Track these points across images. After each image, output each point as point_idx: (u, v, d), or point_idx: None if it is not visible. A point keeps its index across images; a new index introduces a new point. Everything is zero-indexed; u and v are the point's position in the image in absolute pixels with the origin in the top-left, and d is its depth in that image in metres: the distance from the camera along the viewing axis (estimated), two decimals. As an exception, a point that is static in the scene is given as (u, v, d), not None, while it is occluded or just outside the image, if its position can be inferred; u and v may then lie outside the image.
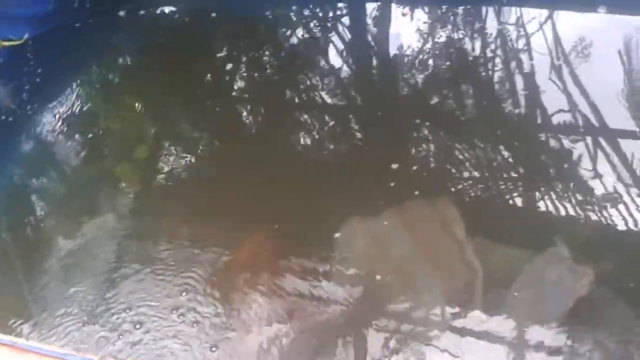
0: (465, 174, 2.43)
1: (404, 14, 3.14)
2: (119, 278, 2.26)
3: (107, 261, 2.33)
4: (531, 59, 2.83)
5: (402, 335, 1.98)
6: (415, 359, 1.91)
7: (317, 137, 2.71)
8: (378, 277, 2.15)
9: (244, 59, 3.15)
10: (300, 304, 2.13)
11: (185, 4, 3.49)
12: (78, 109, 3.00)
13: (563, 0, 2.99)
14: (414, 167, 2.47)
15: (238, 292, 2.17)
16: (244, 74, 3.06)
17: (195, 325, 2.06)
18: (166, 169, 2.69)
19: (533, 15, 2.97)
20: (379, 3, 3.20)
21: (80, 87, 3.12)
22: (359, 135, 2.72)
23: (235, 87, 3.01)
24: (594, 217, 2.20)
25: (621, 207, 2.21)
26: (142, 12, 3.46)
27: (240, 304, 2.13)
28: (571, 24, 2.93)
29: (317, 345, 2.00)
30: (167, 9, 3.54)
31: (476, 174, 2.42)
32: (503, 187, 2.37)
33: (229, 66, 3.10)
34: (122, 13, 3.41)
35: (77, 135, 2.88)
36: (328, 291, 2.14)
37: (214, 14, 3.30)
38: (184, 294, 2.15)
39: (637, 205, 2.20)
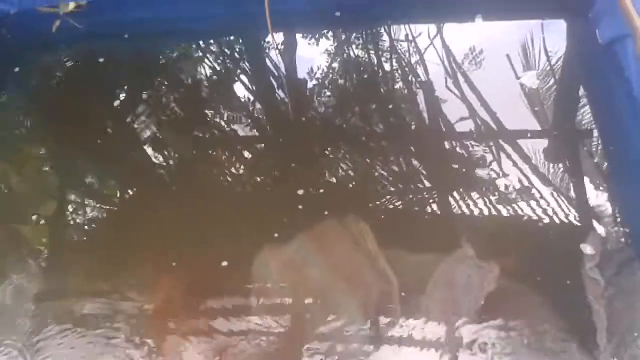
0: (373, 189, 2.46)
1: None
2: (40, 341, 2.19)
3: (25, 326, 2.25)
4: (427, 71, 2.92)
5: (334, 354, 2.00)
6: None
7: (221, 171, 2.69)
8: (298, 301, 2.15)
9: (145, 99, 3.09)
10: (227, 341, 2.11)
11: (67, 53, 3.38)
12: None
13: (443, 14, 3.10)
14: (321, 190, 2.47)
15: (163, 342, 2.13)
16: (146, 115, 3.00)
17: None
18: (75, 221, 2.62)
19: (420, 31, 3.08)
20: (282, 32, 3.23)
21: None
22: (264, 165, 2.72)
23: (138, 129, 2.95)
24: (499, 216, 2.29)
25: (524, 202, 2.31)
26: (16, 69, 3.30)
27: (168, 354, 2.09)
28: (457, 34, 3.06)
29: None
30: (44, 63, 3.40)
31: (384, 188, 2.46)
32: (411, 197, 2.42)
33: (130, 109, 3.02)
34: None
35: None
36: (251, 323, 2.12)
37: (101, 59, 3.22)
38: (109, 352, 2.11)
39: (538, 200, 2.31)
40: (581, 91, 2.72)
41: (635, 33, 2.29)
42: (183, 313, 2.18)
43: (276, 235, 2.30)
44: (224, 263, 2.25)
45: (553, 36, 2.89)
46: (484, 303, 1.97)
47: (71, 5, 2.92)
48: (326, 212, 2.32)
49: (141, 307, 2.22)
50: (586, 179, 2.35)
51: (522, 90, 2.70)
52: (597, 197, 2.27)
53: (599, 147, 2.47)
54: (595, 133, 2.53)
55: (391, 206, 2.39)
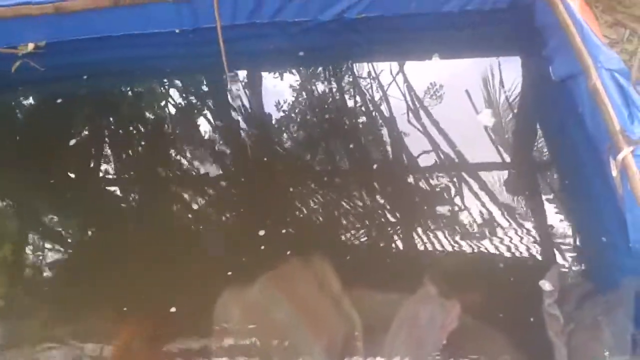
0: (337, 229, 2.46)
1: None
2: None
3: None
4: (389, 107, 2.96)
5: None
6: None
7: (179, 214, 2.67)
8: (261, 345, 2.11)
9: (102, 140, 3.07)
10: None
11: (25, 94, 3.34)
12: None
13: (403, 53, 3.19)
14: (283, 230, 2.45)
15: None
16: (108, 155, 2.97)
17: None
18: (34, 264, 2.56)
19: (382, 68, 3.14)
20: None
21: None
22: (224, 206, 2.71)
23: (101, 170, 2.91)
24: (460, 253, 2.30)
25: (484, 239, 2.33)
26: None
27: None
28: (417, 71, 3.13)
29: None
30: (2, 104, 3.33)
31: (347, 227, 2.46)
32: (374, 235, 2.42)
33: (86, 151, 3.00)
34: None
35: None
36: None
37: (59, 100, 3.19)
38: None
39: (497, 237, 2.33)
40: (537, 126, 2.80)
41: (587, 71, 2.37)
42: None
43: (229, 273, 2.27)
44: (172, 309, 2.21)
45: (509, 73, 2.97)
46: (447, 342, 1.97)
47: (30, 46, 2.92)
48: (288, 252, 2.31)
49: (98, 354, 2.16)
50: (544, 214, 2.39)
51: (481, 126, 2.75)
52: (555, 232, 2.31)
53: (556, 181, 2.53)
54: (552, 167, 2.60)
55: (355, 245, 2.39)
